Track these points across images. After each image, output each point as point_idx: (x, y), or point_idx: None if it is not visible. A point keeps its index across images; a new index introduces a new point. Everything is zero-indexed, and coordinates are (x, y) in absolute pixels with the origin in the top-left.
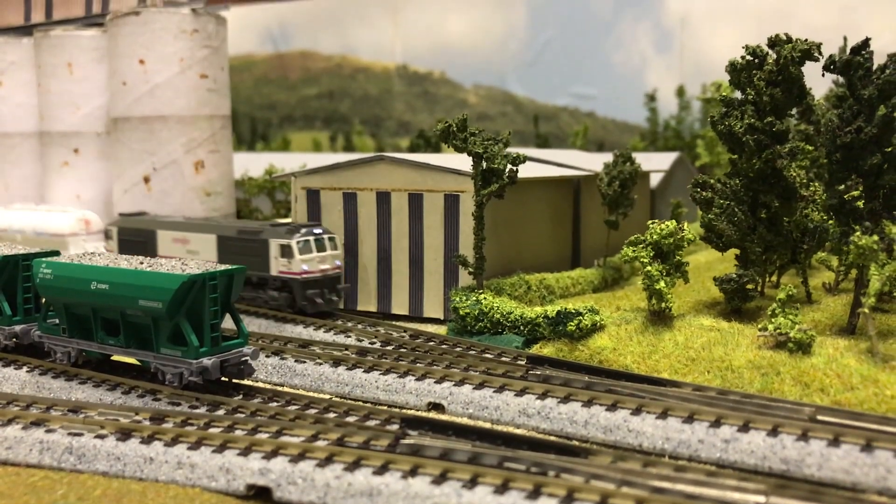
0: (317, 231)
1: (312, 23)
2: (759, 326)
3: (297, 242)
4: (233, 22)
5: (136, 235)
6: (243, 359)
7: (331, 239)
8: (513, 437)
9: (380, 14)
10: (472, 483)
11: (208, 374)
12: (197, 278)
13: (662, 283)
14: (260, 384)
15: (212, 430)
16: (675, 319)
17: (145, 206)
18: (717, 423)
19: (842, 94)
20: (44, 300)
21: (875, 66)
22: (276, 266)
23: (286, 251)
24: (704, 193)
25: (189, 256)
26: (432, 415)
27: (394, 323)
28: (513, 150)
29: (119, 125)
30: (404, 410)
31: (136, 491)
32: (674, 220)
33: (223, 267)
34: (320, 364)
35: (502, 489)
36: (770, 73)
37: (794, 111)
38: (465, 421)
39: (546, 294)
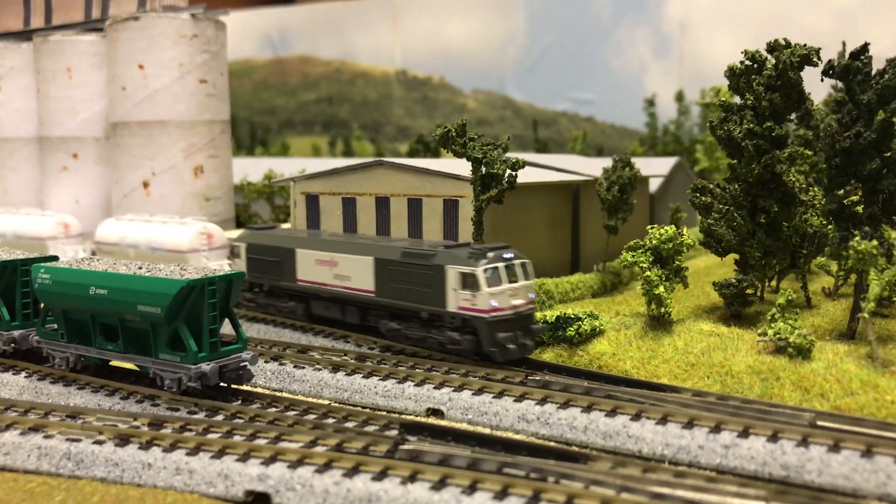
0: (507, 255)
1: (312, 28)
2: (759, 331)
3: (485, 271)
4: (232, 27)
5: (269, 254)
6: (242, 364)
7: (523, 265)
8: (512, 442)
9: (379, 19)
10: (471, 489)
11: (207, 380)
12: (196, 283)
13: (662, 288)
14: (259, 390)
15: (210, 436)
16: (674, 324)
17: (145, 212)
18: (716, 429)
19: (841, 99)
20: (42, 305)
21: (874, 71)
22: (456, 300)
23: (469, 282)
24: (704, 198)
25: (337, 282)
26: (431, 420)
27: None
28: (512, 156)
29: (118, 130)
30: (403, 416)
31: (135, 497)
32: (673, 225)
33: (222, 272)
34: (319, 369)
35: (502, 495)
36: (769, 79)
37: (793, 116)
38: (464, 426)
39: (545, 299)
